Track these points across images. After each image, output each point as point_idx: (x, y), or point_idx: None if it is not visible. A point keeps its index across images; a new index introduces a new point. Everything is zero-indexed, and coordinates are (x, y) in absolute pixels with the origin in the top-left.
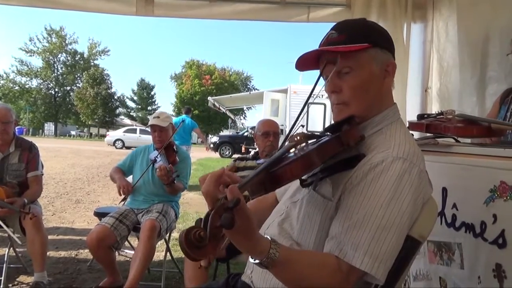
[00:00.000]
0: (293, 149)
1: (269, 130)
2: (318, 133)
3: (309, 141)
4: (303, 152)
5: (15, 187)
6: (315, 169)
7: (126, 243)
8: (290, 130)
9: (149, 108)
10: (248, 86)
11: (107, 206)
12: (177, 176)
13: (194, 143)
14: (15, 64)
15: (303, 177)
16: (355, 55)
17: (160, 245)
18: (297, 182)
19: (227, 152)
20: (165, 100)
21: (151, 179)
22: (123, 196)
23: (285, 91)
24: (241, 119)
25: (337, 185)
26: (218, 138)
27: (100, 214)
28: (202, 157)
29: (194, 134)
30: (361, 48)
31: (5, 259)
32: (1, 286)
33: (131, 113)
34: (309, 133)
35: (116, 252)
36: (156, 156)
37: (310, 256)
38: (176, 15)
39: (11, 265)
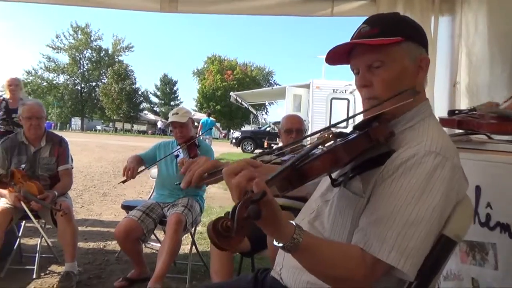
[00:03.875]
0: (320, 146)
1: (292, 127)
2: (347, 132)
3: (338, 139)
4: (330, 147)
5: (47, 180)
6: (343, 165)
7: (153, 236)
8: (313, 133)
9: (172, 103)
10: (270, 81)
11: (134, 200)
12: None
13: (216, 138)
14: (43, 60)
15: (334, 177)
16: (387, 49)
17: (185, 238)
18: (327, 181)
19: (249, 147)
20: (188, 95)
21: (176, 173)
22: (123, 178)
23: (307, 86)
24: (263, 114)
25: (367, 181)
26: (240, 133)
27: (127, 207)
28: (224, 151)
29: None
30: (393, 42)
31: (38, 249)
32: (34, 276)
33: (154, 108)
34: (338, 131)
35: (143, 245)
36: (178, 151)
37: (334, 245)
38: (199, 11)
39: (43, 255)
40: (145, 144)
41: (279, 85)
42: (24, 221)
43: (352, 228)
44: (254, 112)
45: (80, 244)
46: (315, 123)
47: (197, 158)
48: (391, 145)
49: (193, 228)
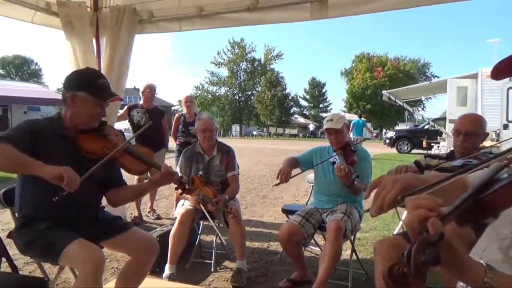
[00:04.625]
0: (506, 169)
1: (460, 128)
2: None
3: None
4: None
5: (219, 185)
6: None
7: (312, 240)
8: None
9: (321, 105)
10: (427, 74)
11: (293, 204)
12: (357, 177)
13: (367, 139)
14: (207, 76)
15: None
16: None
17: (345, 244)
18: None
19: (405, 147)
20: (336, 97)
21: (333, 180)
22: (277, 182)
23: (474, 76)
24: (419, 111)
25: None
26: (394, 132)
27: (287, 211)
28: (378, 152)
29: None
30: None
31: (213, 245)
32: (212, 269)
33: (304, 112)
34: None
35: (304, 249)
36: (335, 158)
37: None
38: (350, 13)
39: (218, 251)
40: (297, 147)
41: (438, 77)
42: (202, 221)
43: None
44: (410, 109)
45: (247, 243)
46: (486, 118)
47: (385, 180)
48: None
49: (353, 235)
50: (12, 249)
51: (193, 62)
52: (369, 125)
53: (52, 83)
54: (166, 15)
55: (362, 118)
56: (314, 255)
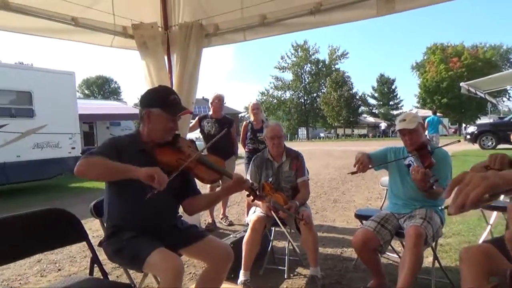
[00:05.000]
0: None
1: None
2: None
3: None
4: None
5: (289, 191)
6: None
7: (390, 246)
8: None
9: (391, 102)
10: (511, 61)
11: (366, 208)
12: (436, 181)
13: (444, 135)
14: (272, 81)
15: None
16: None
17: (426, 251)
18: None
19: (489, 143)
20: (408, 92)
21: (410, 183)
22: (354, 170)
23: None
24: (503, 101)
25: None
26: (476, 127)
27: (361, 217)
28: (457, 150)
29: None
30: None
31: (286, 252)
32: (285, 276)
33: (373, 111)
34: None
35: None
36: (410, 160)
37: None
38: (417, 5)
39: (291, 258)
40: (367, 147)
41: None
42: (274, 227)
43: None
44: (493, 100)
45: (320, 249)
46: None
47: (470, 176)
48: None
49: (434, 242)
50: (101, 255)
51: (258, 68)
52: (445, 120)
53: (130, 99)
54: (230, 27)
55: (438, 114)
56: (392, 262)
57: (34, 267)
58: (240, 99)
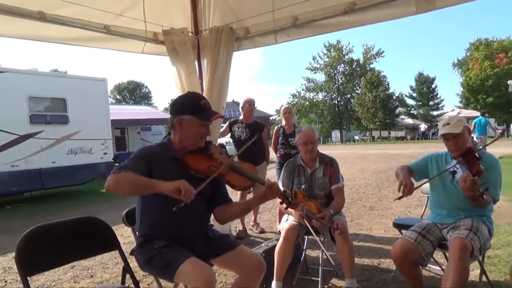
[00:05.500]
0: None
1: None
2: None
3: None
4: None
5: (323, 199)
6: None
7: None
8: None
9: (430, 103)
10: None
11: (405, 217)
12: (486, 189)
13: (491, 137)
14: (304, 82)
15: None
16: None
17: (473, 263)
18: None
19: None
20: (449, 91)
21: (454, 190)
22: (400, 195)
23: None
24: None
25: None
26: None
27: (400, 226)
28: (508, 153)
29: None
30: None
31: (320, 262)
32: (319, 287)
33: (411, 112)
34: None
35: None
36: (455, 167)
37: None
38: (459, 1)
39: (325, 268)
40: (405, 151)
41: None
42: (307, 236)
43: None
44: None
45: (355, 260)
46: None
47: None
48: None
49: (481, 255)
50: (132, 262)
51: (287, 69)
52: (492, 121)
53: (160, 103)
54: (261, 30)
55: (486, 116)
56: (434, 274)
57: (67, 273)
58: (270, 102)
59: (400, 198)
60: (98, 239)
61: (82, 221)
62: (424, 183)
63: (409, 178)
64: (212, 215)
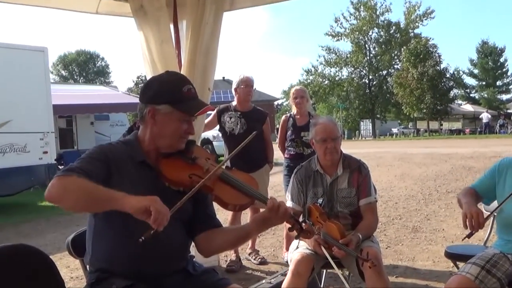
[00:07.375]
0: None
1: None
2: None
3: None
4: None
5: (347, 218)
6: None
7: None
8: None
9: (498, 83)
10: None
11: (463, 245)
12: None
13: None
14: (323, 54)
15: None
16: None
17: None
18: None
19: None
20: None
21: None
22: (469, 232)
23: None
24: None
25: None
26: None
27: (455, 256)
28: None
29: None
30: None
31: None
32: None
33: (471, 95)
34: None
35: None
36: None
37: None
38: None
39: None
40: (463, 150)
41: None
42: (325, 269)
43: None
44: None
45: None
46: None
47: None
48: None
49: None
50: None
51: (302, 35)
52: None
53: (122, 82)
54: None
55: None
56: None
57: None
58: (276, 79)
59: (469, 236)
60: (33, 277)
61: (10, 251)
62: (496, 208)
63: (475, 206)
64: (193, 244)
